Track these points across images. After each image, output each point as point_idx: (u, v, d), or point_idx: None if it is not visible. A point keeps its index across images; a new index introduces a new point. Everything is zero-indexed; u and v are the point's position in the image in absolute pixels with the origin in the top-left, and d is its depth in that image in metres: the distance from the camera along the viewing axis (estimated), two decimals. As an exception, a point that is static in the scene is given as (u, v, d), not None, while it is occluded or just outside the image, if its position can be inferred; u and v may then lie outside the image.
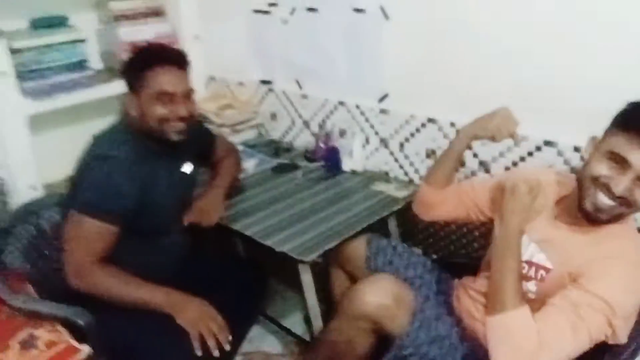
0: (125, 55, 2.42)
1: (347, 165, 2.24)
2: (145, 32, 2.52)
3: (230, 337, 1.62)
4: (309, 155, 2.36)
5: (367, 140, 2.24)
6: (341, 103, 2.28)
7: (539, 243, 1.39)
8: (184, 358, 1.62)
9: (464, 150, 1.61)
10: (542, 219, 1.41)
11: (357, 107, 2.23)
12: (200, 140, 1.95)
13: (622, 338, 1.23)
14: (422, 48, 1.96)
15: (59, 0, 2.34)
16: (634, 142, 1.18)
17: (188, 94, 1.68)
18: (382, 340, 1.55)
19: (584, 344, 1.20)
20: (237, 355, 2.00)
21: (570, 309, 1.20)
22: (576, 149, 1.69)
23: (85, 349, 1.65)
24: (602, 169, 1.24)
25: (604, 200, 1.24)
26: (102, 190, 1.59)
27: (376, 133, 2.20)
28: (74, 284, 1.66)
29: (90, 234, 1.59)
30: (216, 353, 1.58)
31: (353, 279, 1.83)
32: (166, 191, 1.73)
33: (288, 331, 2.28)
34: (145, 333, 1.63)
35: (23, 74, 2.18)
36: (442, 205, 1.66)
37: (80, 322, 1.68)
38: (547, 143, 1.75)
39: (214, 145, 2.03)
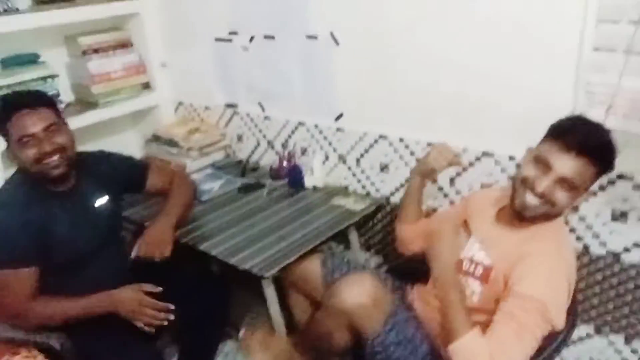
0: (96, 87, 2.56)
1: (309, 181, 2.36)
2: (114, 63, 2.63)
3: (170, 307, 1.76)
4: (274, 174, 2.47)
5: (327, 157, 2.37)
6: (301, 123, 2.41)
7: (481, 242, 1.54)
8: None
9: (420, 187, 1.80)
10: (486, 222, 1.56)
11: (316, 126, 2.36)
12: (118, 172, 1.97)
13: (560, 325, 1.36)
14: (369, 70, 2.08)
15: (29, 38, 2.42)
16: (556, 149, 1.36)
17: (49, 129, 1.70)
18: (356, 337, 1.65)
19: (532, 345, 1.33)
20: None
21: (509, 319, 1.33)
22: (511, 158, 1.82)
23: (61, 371, 1.74)
24: (529, 171, 1.41)
25: (529, 198, 1.41)
26: (2, 241, 1.67)
27: (334, 150, 2.33)
28: (16, 324, 1.77)
29: (9, 282, 1.68)
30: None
31: (311, 299, 1.96)
32: (71, 229, 1.77)
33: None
34: (114, 349, 1.74)
35: None
36: (418, 239, 1.80)
37: (56, 345, 1.79)
38: (485, 154, 1.88)
39: (144, 174, 2.04)
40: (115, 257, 1.92)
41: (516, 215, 1.47)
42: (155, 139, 2.73)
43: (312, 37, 2.21)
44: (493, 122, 1.83)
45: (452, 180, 1.99)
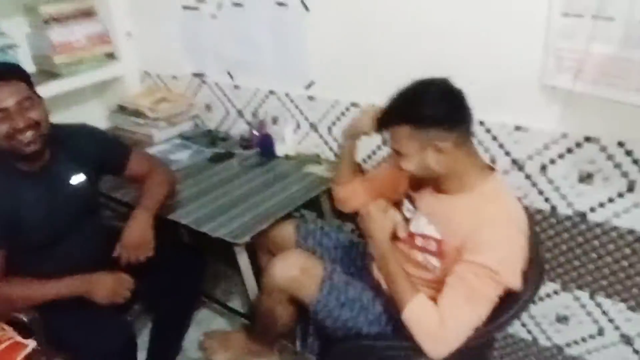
0: (58, 57, 2.48)
1: (280, 150, 2.35)
2: (76, 33, 2.56)
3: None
4: (245, 143, 2.46)
5: (298, 126, 2.36)
6: (271, 92, 2.39)
7: (427, 216, 1.54)
8: (120, 341, 1.73)
9: (351, 149, 1.81)
10: (427, 194, 1.57)
11: (287, 95, 2.34)
12: (99, 151, 1.87)
13: (516, 287, 1.39)
14: (341, 36, 2.07)
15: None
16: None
17: (23, 103, 1.62)
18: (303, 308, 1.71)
19: (484, 308, 1.37)
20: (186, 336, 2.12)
21: (460, 284, 1.37)
22: (481, 123, 1.84)
23: (31, 344, 1.72)
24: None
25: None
26: None
27: (306, 119, 2.32)
28: None
29: None
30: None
31: None
32: (43, 210, 1.71)
33: (234, 311, 2.40)
34: (83, 322, 1.72)
35: None
36: (355, 197, 1.82)
37: (24, 318, 1.76)
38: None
39: (125, 158, 1.94)
40: (91, 236, 1.84)
41: (427, 184, 1.55)
42: (121, 109, 2.68)
43: (281, 3, 2.18)
44: (464, 87, 1.83)
45: (543, 168, 1.81)
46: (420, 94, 1.42)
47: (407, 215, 1.62)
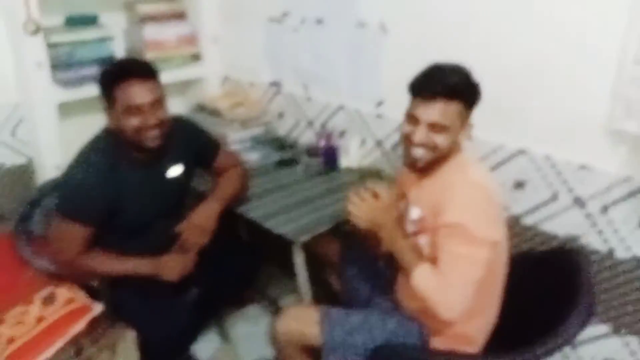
0: (148, 54, 2.66)
1: (344, 162, 2.43)
2: (168, 33, 2.74)
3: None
4: (310, 151, 2.55)
5: (364, 141, 2.44)
6: (341, 106, 2.49)
7: (414, 203, 1.66)
8: (178, 322, 1.85)
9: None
10: (413, 185, 1.69)
11: (356, 110, 2.43)
12: (197, 144, 2.01)
13: (492, 237, 1.49)
14: (415, 61, 2.09)
15: (92, 0, 2.55)
16: (417, 102, 1.55)
17: (156, 103, 1.73)
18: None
19: (471, 266, 1.47)
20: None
21: (442, 250, 1.49)
22: (547, 158, 1.87)
23: (98, 307, 1.87)
24: (406, 128, 1.59)
25: (414, 151, 1.57)
26: (74, 197, 1.74)
27: (372, 135, 2.40)
28: (64, 274, 1.88)
29: (67, 235, 1.76)
30: None
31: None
32: (140, 196, 1.83)
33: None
34: (147, 299, 1.85)
35: (56, 66, 2.38)
36: None
37: (94, 283, 1.91)
38: (521, 152, 1.93)
39: (216, 152, 2.08)
40: (174, 223, 1.94)
41: (411, 167, 1.63)
42: (200, 108, 2.83)
43: (362, 24, 2.29)
44: (531, 121, 1.88)
45: (604, 209, 1.79)
46: (467, 76, 1.54)
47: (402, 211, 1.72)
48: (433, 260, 1.54)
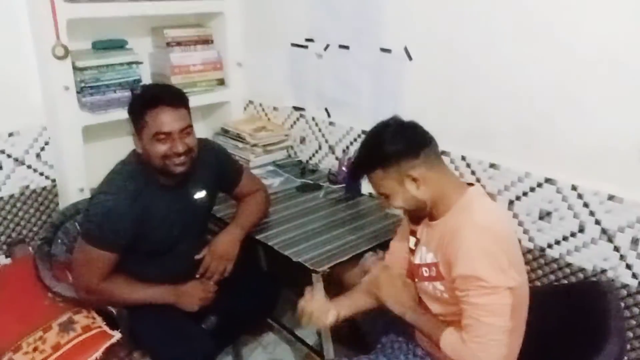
0: (174, 78, 2.69)
1: (366, 189, 2.40)
2: (194, 57, 2.77)
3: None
4: (332, 177, 2.54)
5: (386, 168, 2.41)
6: (364, 132, 2.45)
7: (425, 245, 1.60)
8: (197, 351, 1.81)
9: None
10: (424, 225, 1.62)
11: (379, 136, 2.41)
12: (221, 169, 2.01)
13: (509, 283, 1.39)
14: (439, 87, 2.12)
15: (120, 25, 2.59)
16: None
17: (185, 130, 1.75)
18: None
19: (495, 315, 1.38)
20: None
21: (464, 305, 1.42)
22: (574, 188, 1.82)
23: (116, 335, 1.85)
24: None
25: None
26: (102, 223, 1.73)
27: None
28: (84, 300, 1.87)
29: (91, 260, 1.76)
30: None
31: None
32: (165, 220, 1.83)
33: (301, 340, 2.43)
34: (165, 326, 1.83)
35: (83, 90, 2.41)
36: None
37: (112, 311, 1.90)
38: (548, 181, 1.88)
39: (239, 177, 2.08)
40: (195, 249, 1.95)
41: (413, 220, 1.64)
42: (224, 132, 2.85)
43: (386, 50, 2.28)
44: (559, 149, 1.84)
45: (635, 242, 1.73)
46: (377, 138, 1.55)
47: (412, 247, 1.68)
48: (454, 304, 1.49)
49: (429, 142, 1.54)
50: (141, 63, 2.61)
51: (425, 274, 1.59)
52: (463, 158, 2.10)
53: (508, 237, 1.50)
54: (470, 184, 1.57)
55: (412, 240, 1.68)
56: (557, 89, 1.80)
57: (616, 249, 1.77)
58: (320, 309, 1.63)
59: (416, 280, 1.65)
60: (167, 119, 1.72)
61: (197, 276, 1.94)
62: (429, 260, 1.57)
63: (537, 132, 1.88)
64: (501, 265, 1.40)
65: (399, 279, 1.66)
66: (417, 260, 1.63)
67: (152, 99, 1.75)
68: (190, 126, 1.80)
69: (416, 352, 1.67)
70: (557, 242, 1.91)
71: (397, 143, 1.51)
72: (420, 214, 1.60)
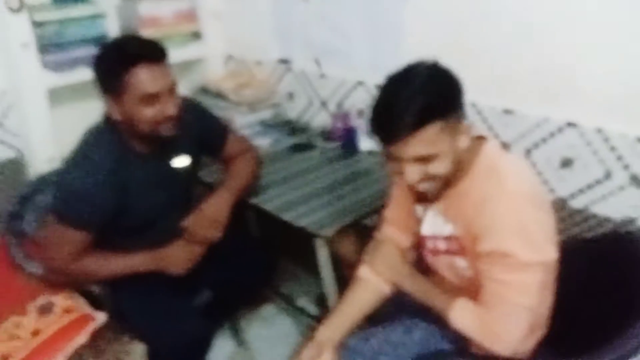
0: (144, 32, 2.45)
1: (364, 145, 2.23)
2: (165, 9, 2.54)
3: None
4: (326, 135, 2.36)
5: (386, 121, 2.23)
6: (360, 82, 2.28)
7: (443, 215, 1.39)
8: (191, 329, 1.66)
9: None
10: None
11: (377, 86, 2.20)
12: (204, 130, 1.81)
13: (547, 257, 1.25)
14: (443, 28, 1.94)
15: (81, -25, 2.34)
16: (386, 144, 1.22)
17: (173, 89, 1.56)
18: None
19: (524, 295, 1.24)
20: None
21: (488, 282, 1.27)
22: (598, 131, 1.67)
23: (101, 317, 1.69)
24: (392, 168, 1.28)
25: (418, 187, 1.28)
26: (75, 201, 1.54)
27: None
28: (55, 279, 1.69)
29: (63, 241, 1.56)
30: None
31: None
32: (146, 192, 1.65)
33: (302, 310, 2.32)
34: (154, 304, 1.68)
35: (44, 47, 2.20)
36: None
37: (95, 290, 1.72)
38: (570, 124, 1.73)
39: (224, 138, 1.88)
40: (182, 218, 1.74)
41: (421, 197, 1.40)
42: (203, 91, 2.63)
43: (380, -12, 2.07)
44: (581, 90, 1.68)
45: None
46: (430, 82, 1.23)
47: (419, 215, 1.48)
48: (475, 284, 1.34)
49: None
50: (105, 16, 2.39)
51: (442, 248, 1.42)
52: (474, 105, 1.93)
53: (544, 203, 1.31)
54: (480, 137, 1.35)
55: (419, 208, 1.49)
56: (579, 24, 1.63)
57: (647, 195, 1.64)
58: None
59: (426, 254, 1.49)
60: (152, 77, 1.49)
61: (182, 226, 1.73)
62: (446, 232, 1.39)
63: (556, 73, 1.72)
64: (537, 239, 1.23)
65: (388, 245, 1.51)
66: (426, 231, 1.45)
67: (131, 55, 1.50)
68: (176, 84, 1.58)
69: (433, 330, 1.50)
70: (581, 191, 1.77)
71: (458, 86, 1.25)
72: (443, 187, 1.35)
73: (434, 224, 1.42)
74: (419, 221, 1.48)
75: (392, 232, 1.56)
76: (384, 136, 1.22)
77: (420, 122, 1.17)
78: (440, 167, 1.23)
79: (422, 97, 1.19)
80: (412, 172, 1.23)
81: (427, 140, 1.19)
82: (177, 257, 1.69)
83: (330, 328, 1.47)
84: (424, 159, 1.21)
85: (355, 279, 1.54)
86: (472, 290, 1.36)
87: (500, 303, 1.26)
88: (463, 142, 1.26)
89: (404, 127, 1.17)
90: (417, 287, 1.43)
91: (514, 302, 1.25)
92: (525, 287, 1.24)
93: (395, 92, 1.22)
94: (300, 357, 1.43)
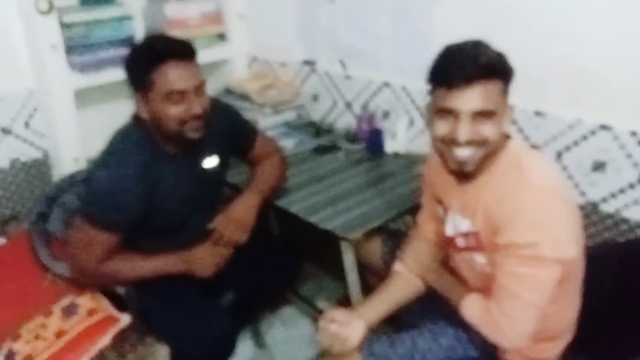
0: (170, 34, 2.44)
1: (389, 147, 2.20)
2: (191, 10, 2.53)
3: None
4: (351, 137, 2.33)
5: (412, 122, 2.20)
6: (386, 84, 2.24)
7: (460, 212, 1.38)
8: (217, 327, 1.64)
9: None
10: (452, 190, 1.40)
11: (403, 88, 2.19)
12: (233, 132, 1.79)
13: (568, 255, 1.22)
14: (474, 29, 1.88)
15: (108, -24, 2.35)
16: (450, 92, 1.21)
17: (200, 88, 1.54)
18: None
19: (535, 290, 1.22)
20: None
21: (501, 274, 1.25)
22: (633, 134, 1.62)
23: (125, 319, 1.68)
24: (441, 128, 1.26)
25: (461, 153, 1.25)
26: (104, 202, 1.52)
27: (422, 115, 2.15)
28: (82, 281, 1.68)
29: (91, 242, 1.54)
30: None
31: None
32: (175, 193, 1.63)
33: (322, 313, 2.25)
34: (179, 306, 1.66)
35: (72, 49, 2.20)
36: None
37: (120, 291, 1.71)
38: (603, 127, 1.68)
39: (253, 140, 1.86)
40: (208, 221, 1.73)
41: (458, 174, 1.34)
42: (227, 92, 2.61)
43: (410, -12, 2.04)
44: (615, 91, 1.63)
45: None
46: (495, 52, 1.26)
47: (440, 216, 1.48)
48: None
49: None
50: (132, 18, 2.38)
51: (461, 245, 1.40)
52: (503, 107, 1.88)
53: (569, 201, 1.28)
54: (506, 135, 1.33)
55: (439, 209, 1.48)
56: (612, 24, 1.59)
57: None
58: (343, 329, 1.42)
59: (451, 253, 1.47)
60: (179, 76, 1.47)
61: (210, 228, 1.72)
62: (464, 229, 1.37)
63: (589, 74, 1.68)
64: (558, 235, 1.20)
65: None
66: (449, 232, 1.43)
67: (159, 53, 1.49)
68: (204, 83, 1.56)
69: (460, 337, 1.47)
70: (613, 196, 1.72)
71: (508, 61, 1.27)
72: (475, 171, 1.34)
73: (454, 223, 1.41)
74: (441, 222, 1.46)
75: (426, 230, 1.57)
76: (451, 79, 1.20)
77: (490, 71, 1.20)
78: (492, 131, 1.23)
79: (490, 52, 1.24)
80: (466, 129, 1.21)
81: (491, 94, 1.20)
82: (204, 259, 1.67)
83: (369, 307, 1.49)
84: (483, 115, 1.21)
85: (392, 273, 1.55)
86: (489, 280, 1.34)
87: (509, 297, 1.25)
88: (507, 123, 1.27)
89: (477, 70, 1.19)
90: (440, 282, 1.46)
91: (522, 296, 1.23)
92: (537, 283, 1.22)
93: (461, 48, 1.25)
94: (331, 314, 1.45)
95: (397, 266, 1.55)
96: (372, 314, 1.46)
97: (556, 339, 1.43)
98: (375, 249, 1.79)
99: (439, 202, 1.48)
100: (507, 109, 1.27)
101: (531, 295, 1.23)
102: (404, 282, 1.53)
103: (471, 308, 1.34)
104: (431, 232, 1.57)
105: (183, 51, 1.51)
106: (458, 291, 1.40)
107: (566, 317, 1.42)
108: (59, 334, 1.61)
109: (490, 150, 1.26)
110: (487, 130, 1.22)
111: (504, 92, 1.24)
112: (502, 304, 1.26)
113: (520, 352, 1.41)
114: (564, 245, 1.20)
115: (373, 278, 1.86)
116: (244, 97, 2.52)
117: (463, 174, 1.32)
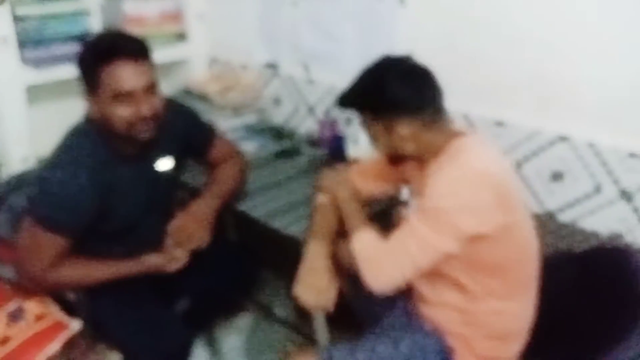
0: (128, 30, 2.38)
1: (352, 153, 2.19)
2: (150, 8, 2.49)
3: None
4: (313, 142, 2.32)
5: (374, 129, 2.21)
6: (349, 90, 2.24)
7: (415, 193, 1.50)
8: (171, 335, 1.61)
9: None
10: (415, 173, 1.47)
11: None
12: (189, 133, 1.74)
13: (474, 228, 1.26)
14: (437, 37, 1.92)
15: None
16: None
17: (150, 88, 1.47)
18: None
19: (425, 251, 1.29)
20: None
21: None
22: (590, 146, 1.67)
23: (75, 325, 1.62)
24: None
25: None
26: (55, 203, 1.46)
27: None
28: (30, 287, 1.61)
29: (40, 246, 1.47)
30: None
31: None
32: (128, 195, 1.59)
33: (280, 320, 2.27)
34: (132, 313, 1.61)
35: (24, 43, 2.14)
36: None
37: (70, 297, 1.65)
38: (561, 138, 1.72)
39: (210, 141, 1.82)
40: (164, 221, 1.67)
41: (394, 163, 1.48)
42: (186, 93, 2.58)
43: (374, -7, 2.05)
44: (574, 103, 1.68)
45: None
46: (379, 78, 1.35)
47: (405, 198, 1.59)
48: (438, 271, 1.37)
49: (435, 100, 1.37)
50: (88, 14, 2.34)
51: None
52: (465, 116, 1.91)
53: (501, 187, 1.30)
54: (459, 133, 1.39)
55: (405, 190, 1.56)
56: (574, 36, 1.63)
57: (635, 210, 1.64)
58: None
59: None
60: (127, 75, 1.42)
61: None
62: (414, 209, 1.43)
63: (548, 85, 1.73)
64: (467, 208, 1.26)
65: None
66: (404, 214, 1.49)
67: (107, 50, 1.44)
68: (156, 83, 1.50)
69: (424, 330, 1.49)
70: (570, 205, 1.76)
71: (399, 92, 1.33)
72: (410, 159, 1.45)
73: (412, 206, 1.51)
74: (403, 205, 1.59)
75: (355, 177, 1.65)
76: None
77: (352, 104, 1.42)
78: (377, 147, 1.43)
79: (360, 84, 1.39)
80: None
81: (361, 119, 1.41)
82: (156, 265, 1.62)
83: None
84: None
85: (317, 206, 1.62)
86: (434, 275, 1.37)
87: (399, 243, 1.32)
88: (402, 143, 1.35)
89: (345, 104, 1.43)
90: (348, 208, 1.52)
91: (410, 249, 1.30)
92: (427, 244, 1.29)
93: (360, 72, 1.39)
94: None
95: (320, 198, 1.62)
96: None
97: (507, 340, 1.44)
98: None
99: (405, 181, 1.57)
100: (392, 133, 1.35)
101: (417, 251, 1.29)
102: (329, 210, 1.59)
103: (360, 241, 1.40)
104: (366, 179, 1.64)
105: (133, 49, 1.46)
106: (360, 220, 1.46)
107: (516, 318, 1.44)
108: (4, 341, 1.54)
109: (405, 154, 1.38)
110: (374, 146, 1.44)
111: (377, 121, 1.37)
112: (391, 246, 1.34)
113: (473, 352, 1.42)
114: (464, 219, 1.25)
115: (342, 280, 1.86)
116: (204, 98, 2.48)
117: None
